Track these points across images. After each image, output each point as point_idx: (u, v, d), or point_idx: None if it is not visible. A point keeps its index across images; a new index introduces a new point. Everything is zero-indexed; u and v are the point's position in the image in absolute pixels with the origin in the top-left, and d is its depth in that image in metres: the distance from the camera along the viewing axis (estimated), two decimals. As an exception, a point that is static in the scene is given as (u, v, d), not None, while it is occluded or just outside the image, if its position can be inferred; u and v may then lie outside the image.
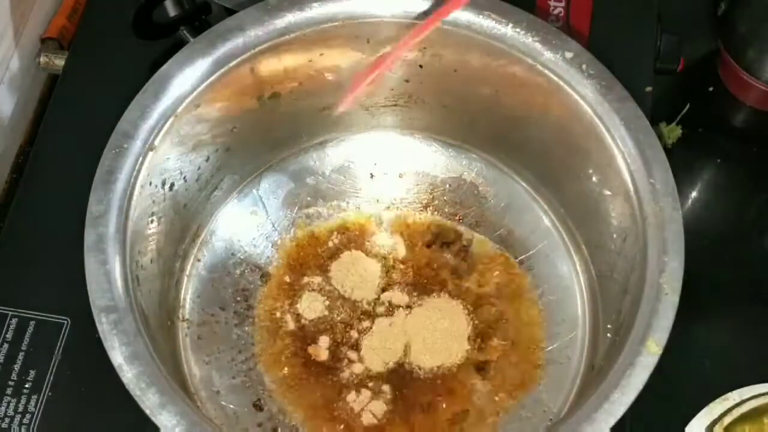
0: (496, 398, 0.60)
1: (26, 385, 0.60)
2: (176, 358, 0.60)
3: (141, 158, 0.54)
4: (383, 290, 0.64)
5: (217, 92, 0.58)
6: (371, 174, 0.68)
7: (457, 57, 0.61)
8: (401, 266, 0.65)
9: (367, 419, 0.60)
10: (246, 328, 0.62)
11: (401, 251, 0.66)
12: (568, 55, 0.57)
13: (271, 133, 0.65)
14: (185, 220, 0.62)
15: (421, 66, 0.62)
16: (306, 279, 0.64)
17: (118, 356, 0.49)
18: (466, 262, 0.65)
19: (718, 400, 0.61)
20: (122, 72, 0.68)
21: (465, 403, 0.60)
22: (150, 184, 0.55)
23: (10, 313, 0.62)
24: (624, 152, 0.55)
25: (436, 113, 0.66)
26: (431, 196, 0.68)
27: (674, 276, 0.52)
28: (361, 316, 0.63)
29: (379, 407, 0.60)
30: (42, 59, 0.74)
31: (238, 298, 0.63)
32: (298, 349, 0.62)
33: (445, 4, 0.56)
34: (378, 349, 0.62)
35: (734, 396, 0.61)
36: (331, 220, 0.67)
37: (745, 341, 0.67)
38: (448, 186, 0.68)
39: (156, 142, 0.55)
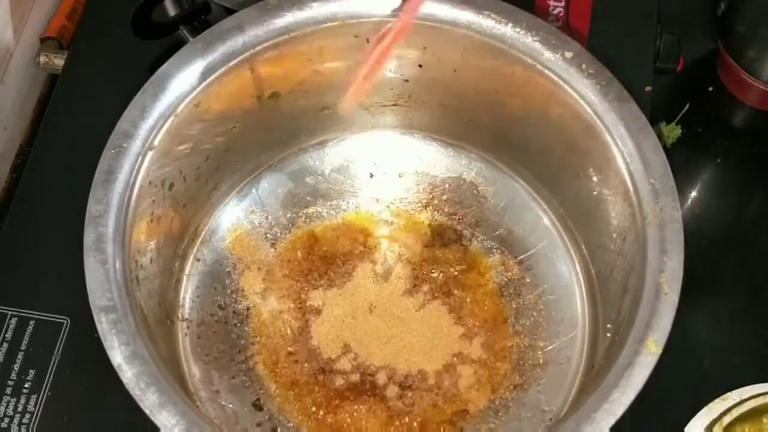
0: (496, 398, 0.60)
1: (26, 385, 0.60)
2: (176, 357, 0.60)
3: (141, 158, 0.54)
4: (381, 291, 0.64)
5: (217, 92, 0.58)
6: (371, 174, 0.68)
7: (456, 57, 0.60)
8: (400, 266, 0.65)
9: (366, 419, 0.60)
10: (245, 328, 0.62)
11: (401, 251, 0.66)
12: (568, 54, 0.57)
13: (270, 132, 0.65)
14: (185, 220, 0.62)
15: (420, 66, 0.62)
16: (305, 279, 0.64)
17: (117, 356, 0.49)
18: (465, 262, 0.65)
19: (717, 400, 0.61)
20: (122, 72, 0.68)
21: (465, 403, 0.60)
22: (149, 183, 0.55)
23: (10, 312, 0.62)
24: (623, 152, 0.55)
25: (435, 113, 0.66)
26: (431, 196, 0.68)
27: (674, 275, 0.52)
28: (360, 317, 0.63)
29: (379, 407, 0.60)
30: (42, 59, 0.74)
31: (238, 298, 0.63)
32: (297, 349, 0.62)
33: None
34: (378, 349, 0.62)
35: (734, 396, 0.61)
36: (331, 220, 0.67)
37: (745, 341, 0.67)
38: (447, 186, 0.68)
39: (155, 142, 0.55)
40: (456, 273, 0.65)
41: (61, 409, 0.60)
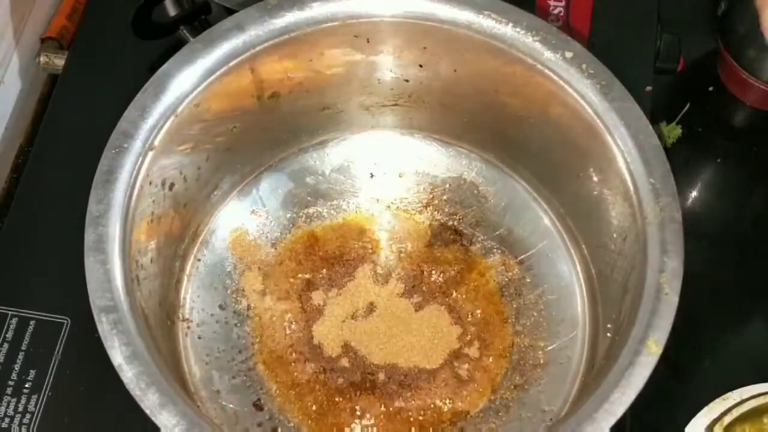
0: (497, 398, 0.61)
1: (26, 385, 0.60)
2: (176, 357, 0.60)
3: (141, 158, 0.54)
4: (382, 290, 0.64)
5: (217, 92, 0.58)
6: (371, 174, 0.68)
7: (457, 57, 0.60)
8: (401, 266, 0.65)
9: (367, 419, 0.60)
10: (246, 328, 0.62)
11: (401, 251, 0.66)
12: (568, 54, 0.57)
13: (270, 132, 0.65)
14: (185, 220, 0.62)
15: (421, 65, 0.62)
16: (306, 279, 0.64)
17: (118, 356, 0.49)
18: (465, 262, 0.65)
19: (718, 400, 0.61)
20: (122, 72, 0.68)
21: (465, 403, 0.60)
22: (150, 183, 0.55)
23: (11, 312, 0.62)
24: (624, 152, 0.55)
25: (436, 113, 0.66)
26: (431, 196, 0.68)
27: (674, 275, 0.52)
28: (360, 317, 0.63)
29: (380, 407, 0.60)
30: (42, 59, 0.74)
31: (238, 298, 0.63)
32: (298, 349, 0.62)
33: None
34: (378, 349, 0.62)
35: (734, 395, 0.61)
36: (331, 220, 0.67)
37: (745, 341, 0.67)
38: (448, 186, 0.68)
39: (156, 142, 0.55)
40: (456, 273, 0.65)
41: (61, 409, 0.60)
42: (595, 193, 0.60)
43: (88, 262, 0.51)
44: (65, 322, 0.62)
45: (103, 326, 0.49)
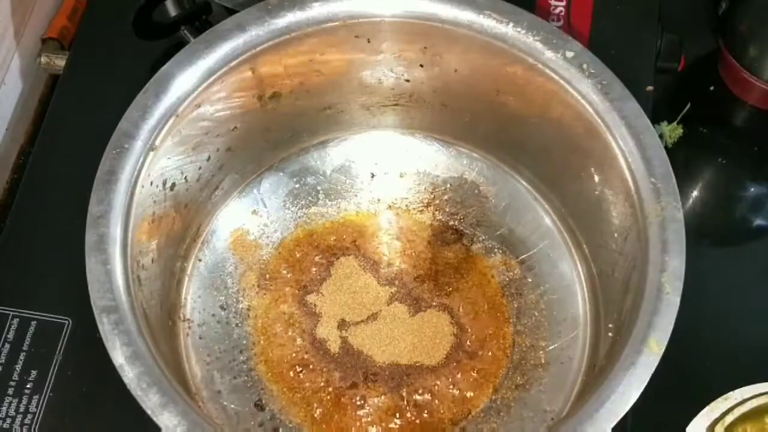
0: (498, 397, 0.61)
1: (27, 386, 0.60)
2: (177, 358, 0.60)
3: (142, 158, 0.54)
4: (383, 290, 0.64)
5: (218, 92, 0.58)
6: (372, 174, 0.68)
7: (457, 56, 0.61)
8: (402, 266, 0.65)
9: (368, 419, 0.60)
10: (247, 328, 0.62)
11: (402, 251, 0.66)
12: (569, 54, 0.57)
13: (271, 132, 0.65)
14: (186, 220, 0.62)
15: (421, 65, 0.62)
16: (307, 279, 0.64)
17: (119, 356, 0.49)
18: (467, 262, 0.65)
19: (719, 400, 0.61)
20: (123, 72, 0.68)
21: (466, 403, 0.60)
22: (151, 184, 0.55)
23: (12, 313, 0.62)
24: (625, 151, 0.55)
25: (436, 113, 0.66)
26: (432, 196, 0.68)
27: (675, 275, 0.52)
28: (362, 317, 0.63)
29: (381, 407, 0.60)
30: (43, 59, 0.74)
31: (239, 298, 0.63)
32: (299, 349, 0.62)
33: None
34: (379, 349, 0.62)
35: (735, 395, 0.61)
36: (332, 220, 0.67)
37: (746, 340, 0.67)
38: (449, 186, 0.68)
39: (157, 142, 0.55)
40: (457, 273, 0.65)
41: (62, 409, 0.60)
42: (597, 192, 0.60)
43: (89, 263, 0.51)
44: (66, 322, 0.62)
45: (105, 326, 0.49)
